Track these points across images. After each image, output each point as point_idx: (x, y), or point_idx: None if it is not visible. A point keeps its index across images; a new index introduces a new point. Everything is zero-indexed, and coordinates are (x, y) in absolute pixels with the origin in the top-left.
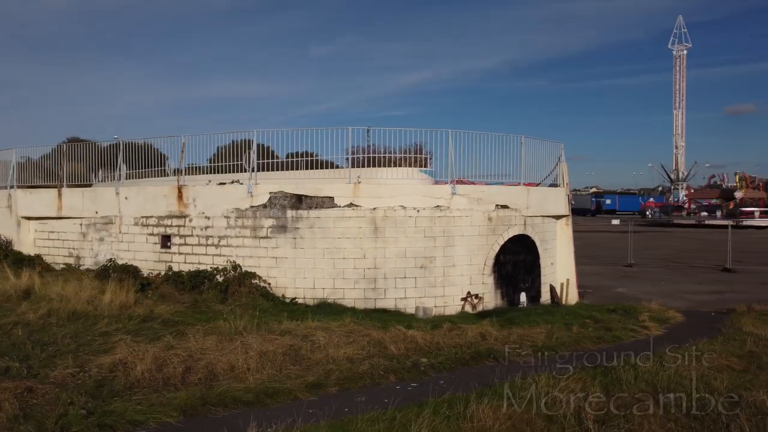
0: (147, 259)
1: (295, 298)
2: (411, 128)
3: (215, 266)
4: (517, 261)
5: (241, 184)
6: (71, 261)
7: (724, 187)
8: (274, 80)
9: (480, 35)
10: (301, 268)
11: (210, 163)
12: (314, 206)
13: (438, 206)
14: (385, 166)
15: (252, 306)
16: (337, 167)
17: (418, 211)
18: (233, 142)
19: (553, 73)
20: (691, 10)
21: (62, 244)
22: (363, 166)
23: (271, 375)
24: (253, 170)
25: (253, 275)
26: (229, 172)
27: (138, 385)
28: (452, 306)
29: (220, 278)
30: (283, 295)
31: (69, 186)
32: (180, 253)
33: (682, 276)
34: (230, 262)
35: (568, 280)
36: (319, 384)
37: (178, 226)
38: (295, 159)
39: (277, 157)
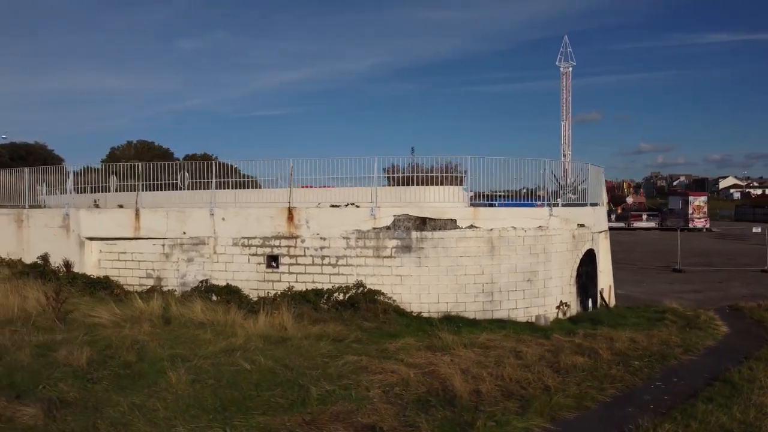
0: (249, 279)
1: (420, 312)
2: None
3: (334, 285)
4: (587, 271)
5: (357, 206)
6: (150, 282)
7: (616, 193)
8: (134, 75)
9: (355, 38)
10: (425, 284)
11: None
12: (437, 228)
13: (540, 227)
14: (426, 184)
15: (391, 321)
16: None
17: (525, 231)
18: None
19: (426, 78)
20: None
21: (137, 265)
22: (407, 185)
23: (554, 383)
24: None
25: (378, 292)
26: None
27: (487, 402)
28: (550, 314)
29: (339, 296)
30: (408, 310)
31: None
32: (290, 273)
33: (644, 276)
34: (355, 280)
35: (609, 285)
36: (602, 388)
37: (288, 246)
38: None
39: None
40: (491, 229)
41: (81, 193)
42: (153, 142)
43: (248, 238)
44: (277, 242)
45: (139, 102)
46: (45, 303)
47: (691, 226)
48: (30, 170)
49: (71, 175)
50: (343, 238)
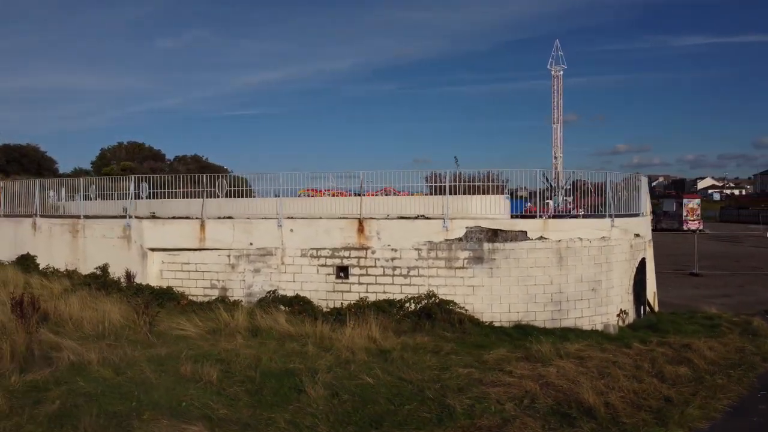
0: (318, 289)
1: (492, 321)
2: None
3: (406, 295)
4: (640, 279)
5: (427, 218)
6: (214, 293)
7: None
8: (111, 72)
9: (335, 37)
10: (497, 294)
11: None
12: (509, 239)
13: (603, 237)
14: (469, 193)
15: (471, 331)
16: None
17: (590, 241)
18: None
19: (406, 78)
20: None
21: (201, 276)
22: (450, 194)
23: (673, 394)
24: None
25: (450, 302)
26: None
27: (623, 414)
28: (611, 322)
29: (411, 306)
30: (481, 320)
31: (209, 217)
32: (360, 283)
33: (664, 281)
34: (426, 290)
35: (654, 292)
36: (716, 398)
37: (358, 257)
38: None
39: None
40: (559, 240)
41: (106, 199)
42: (143, 143)
43: (317, 249)
44: (347, 253)
45: (114, 101)
46: (125, 315)
47: (685, 228)
48: (56, 181)
49: (83, 183)
50: (415, 249)
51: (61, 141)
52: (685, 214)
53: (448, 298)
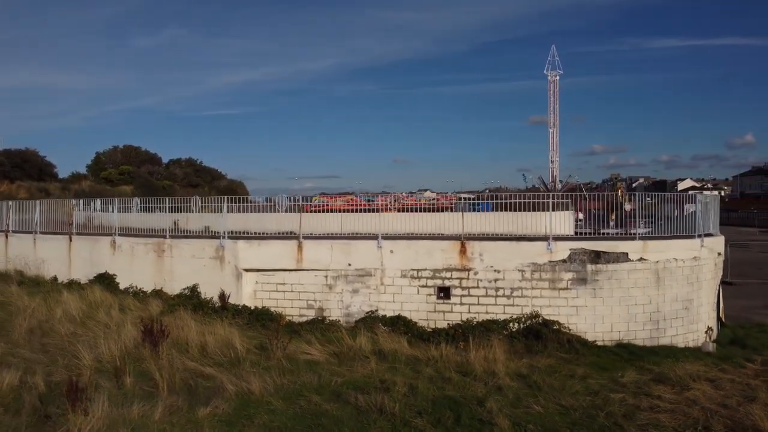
0: (418, 309)
1: (595, 341)
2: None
3: (509, 315)
4: (718, 294)
5: (530, 240)
6: (311, 313)
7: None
8: (86, 71)
9: (315, 37)
10: (600, 314)
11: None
12: (611, 261)
13: (694, 257)
14: (535, 210)
15: (581, 351)
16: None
17: (683, 261)
18: None
19: (386, 79)
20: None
21: (297, 296)
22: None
23: None
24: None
25: (554, 323)
26: None
27: None
28: (700, 338)
29: (514, 326)
30: (585, 339)
31: (306, 238)
32: (462, 304)
33: None
34: (530, 311)
35: (721, 306)
36: None
37: (460, 278)
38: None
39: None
40: (657, 261)
41: (150, 212)
42: (139, 146)
43: (417, 270)
44: (448, 274)
45: (90, 100)
46: (244, 338)
47: None
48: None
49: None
50: (518, 270)
51: (32, 141)
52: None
53: (552, 318)
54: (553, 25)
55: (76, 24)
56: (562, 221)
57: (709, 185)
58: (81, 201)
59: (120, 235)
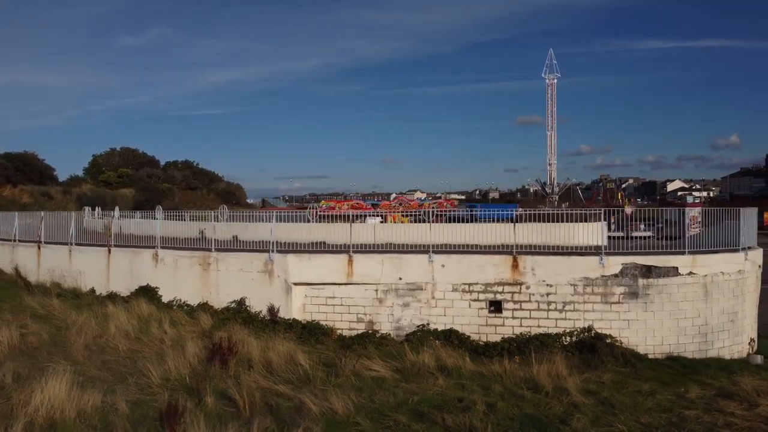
0: (470, 323)
1: (646, 354)
2: None
3: (562, 329)
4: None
5: (582, 255)
6: (360, 326)
7: (610, 202)
8: (70, 70)
9: (300, 37)
10: (650, 328)
11: None
12: (661, 275)
13: (739, 270)
14: (569, 221)
15: (637, 365)
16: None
17: (729, 275)
18: None
19: (372, 79)
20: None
21: (347, 309)
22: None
23: None
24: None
25: (607, 336)
26: None
27: None
28: (744, 350)
29: (566, 339)
30: (637, 352)
31: (355, 251)
32: (514, 318)
33: None
34: (582, 325)
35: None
36: None
37: (512, 292)
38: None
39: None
40: (705, 275)
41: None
42: (137, 149)
43: (469, 284)
44: (500, 288)
45: (74, 99)
46: (305, 354)
47: (689, 235)
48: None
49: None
50: (571, 284)
51: (15, 140)
52: (687, 222)
53: (604, 331)
54: (540, 27)
55: (59, 23)
56: (596, 232)
57: (698, 186)
58: (116, 211)
59: (162, 247)
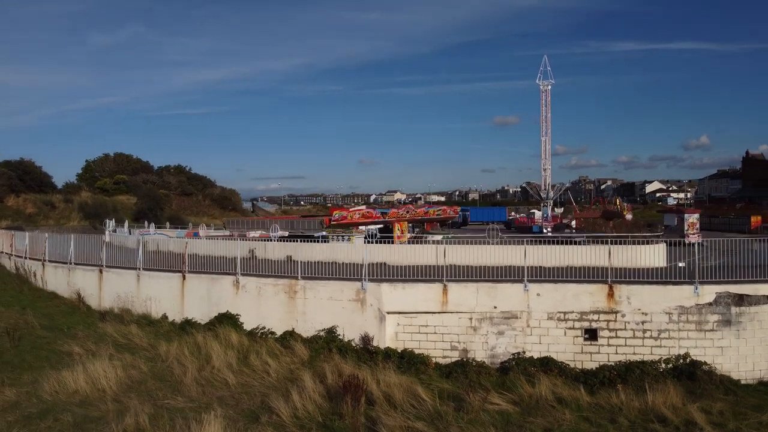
0: (565, 351)
1: (739, 380)
2: None
3: (657, 356)
4: None
5: (678, 285)
6: (454, 355)
7: (608, 208)
8: (42, 69)
9: (275, 37)
10: (743, 354)
11: None
12: (753, 303)
13: None
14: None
15: (739, 392)
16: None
17: None
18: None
19: (350, 79)
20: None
21: (441, 338)
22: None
23: None
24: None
25: (702, 363)
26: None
27: None
28: None
29: (662, 367)
30: (732, 379)
31: (449, 280)
32: (609, 345)
33: None
34: (677, 352)
35: None
36: None
37: (607, 320)
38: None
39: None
40: None
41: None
42: (131, 155)
43: (564, 313)
44: (595, 316)
45: (46, 98)
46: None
47: (687, 241)
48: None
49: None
50: (666, 313)
51: None
52: (686, 228)
53: (699, 358)
54: (517, 28)
55: (30, 20)
56: (656, 254)
57: (674, 187)
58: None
59: (243, 274)
